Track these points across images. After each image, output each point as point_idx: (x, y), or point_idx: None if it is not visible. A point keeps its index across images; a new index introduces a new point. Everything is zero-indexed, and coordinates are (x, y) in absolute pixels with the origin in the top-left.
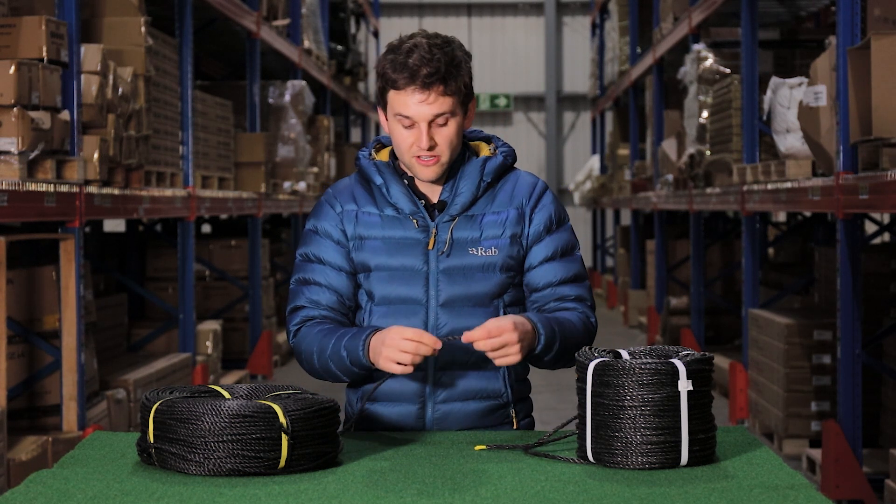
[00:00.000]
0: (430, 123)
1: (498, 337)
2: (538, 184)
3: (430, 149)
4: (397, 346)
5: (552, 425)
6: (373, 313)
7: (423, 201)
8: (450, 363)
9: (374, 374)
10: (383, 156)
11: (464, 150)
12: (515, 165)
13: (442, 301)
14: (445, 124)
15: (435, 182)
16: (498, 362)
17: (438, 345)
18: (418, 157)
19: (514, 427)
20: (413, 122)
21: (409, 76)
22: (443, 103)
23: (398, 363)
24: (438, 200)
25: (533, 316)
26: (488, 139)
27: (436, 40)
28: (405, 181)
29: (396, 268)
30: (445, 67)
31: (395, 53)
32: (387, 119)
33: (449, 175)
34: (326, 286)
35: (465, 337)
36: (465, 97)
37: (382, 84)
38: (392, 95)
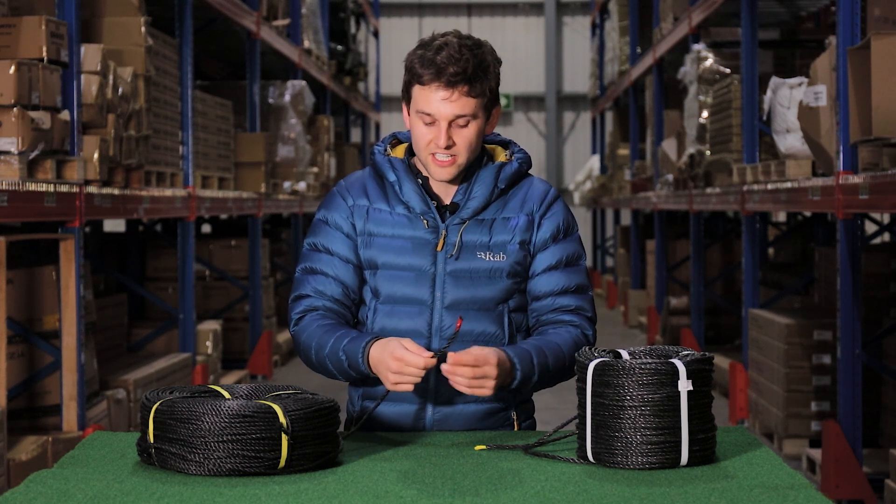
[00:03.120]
0: (451, 123)
1: (480, 367)
2: (550, 191)
3: (448, 148)
4: (396, 369)
5: (552, 425)
6: (377, 311)
7: (435, 202)
8: None
9: (370, 378)
10: (398, 152)
11: (481, 154)
12: (530, 171)
13: (447, 303)
14: (466, 126)
15: (450, 182)
16: (468, 391)
17: (433, 361)
18: (434, 155)
19: (515, 429)
20: (434, 119)
21: (435, 73)
22: (465, 104)
23: (405, 384)
24: (451, 202)
25: (513, 352)
26: (505, 143)
27: (467, 41)
28: (419, 180)
29: (404, 267)
30: (473, 69)
31: (425, 49)
32: (409, 114)
33: (464, 178)
34: (333, 277)
35: (451, 358)
36: (488, 101)
37: (408, 78)
38: (416, 91)
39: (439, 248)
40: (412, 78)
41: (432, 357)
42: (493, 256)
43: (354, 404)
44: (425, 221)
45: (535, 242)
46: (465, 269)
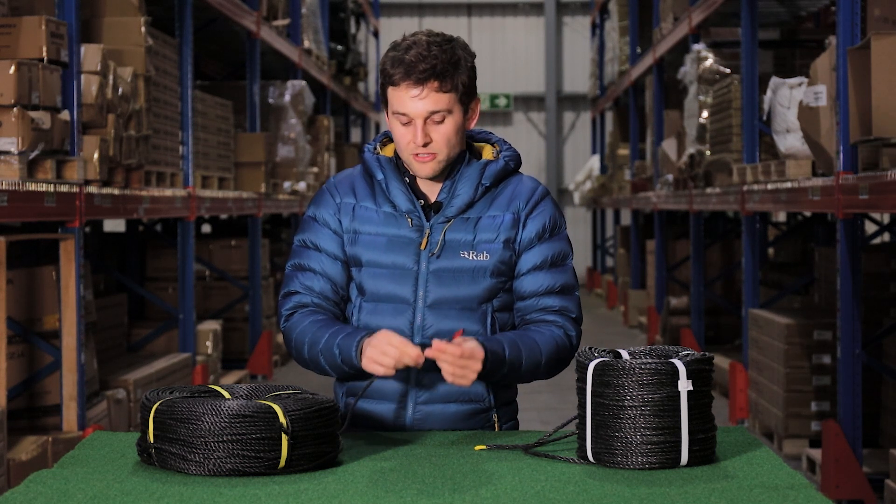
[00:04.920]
0: (426, 120)
1: (469, 359)
2: (538, 189)
3: (426, 145)
4: (381, 349)
5: (552, 425)
6: (361, 309)
7: (421, 201)
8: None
9: (363, 374)
10: (388, 151)
11: (466, 152)
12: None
13: (430, 302)
14: (442, 122)
15: (435, 180)
16: (448, 378)
17: (421, 359)
18: (415, 154)
19: (496, 431)
20: (409, 119)
21: (404, 72)
22: (437, 100)
23: (379, 365)
24: (435, 201)
25: (486, 342)
26: (492, 141)
27: (436, 38)
28: (406, 179)
29: (387, 265)
30: (442, 65)
31: (395, 51)
32: (388, 117)
33: (448, 176)
34: (321, 273)
35: (436, 344)
36: (464, 95)
37: (382, 80)
38: (390, 92)
39: (422, 247)
40: (385, 80)
41: (416, 354)
42: (477, 255)
43: (339, 401)
44: (409, 220)
45: (520, 241)
46: (448, 268)
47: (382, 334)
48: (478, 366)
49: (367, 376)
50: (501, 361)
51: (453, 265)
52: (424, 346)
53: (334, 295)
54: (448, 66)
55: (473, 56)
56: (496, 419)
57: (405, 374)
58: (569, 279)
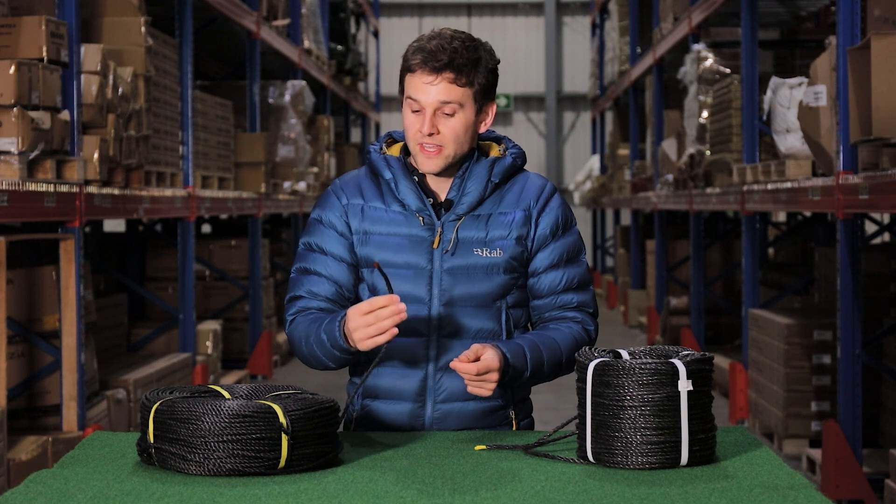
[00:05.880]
0: (436, 111)
1: (486, 373)
2: (547, 186)
3: (432, 136)
4: (362, 323)
5: (552, 425)
6: None
7: (431, 199)
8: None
9: (359, 356)
10: (394, 151)
11: (474, 150)
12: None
13: (445, 300)
14: (452, 115)
15: (442, 175)
16: (470, 389)
17: (402, 306)
18: (421, 145)
19: (514, 428)
20: (420, 106)
21: (422, 59)
22: (450, 91)
23: (374, 336)
24: (445, 199)
25: (506, 347)
26: (499, 139)
27: (461, 35)
28: (415, 178)
29: (400, 265)
30: (461, 59)
31: (419, 41)
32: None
33: (457, 174)
34: (327, 277)
35: (455, 364)
36: (478, 94)
37: (402, 68)
38: (407, 79)
39: (435, 245)
40: (404, 67)
41: (387, 299)
42: (490, 252)
43: (354, 402)
44: (421, 219)
45: (533, 239)
46: (462, 266)
47: (351, 313)
48: (495, 376)
49: (361, 356)
50: (524, 367)
51: (467, 262)
52: (445, 355)
53: (340, 298)
54: (467, 61)
55: (497, 61)
56: (513, 416)
57: (423, 374)
58: (584, 274)
